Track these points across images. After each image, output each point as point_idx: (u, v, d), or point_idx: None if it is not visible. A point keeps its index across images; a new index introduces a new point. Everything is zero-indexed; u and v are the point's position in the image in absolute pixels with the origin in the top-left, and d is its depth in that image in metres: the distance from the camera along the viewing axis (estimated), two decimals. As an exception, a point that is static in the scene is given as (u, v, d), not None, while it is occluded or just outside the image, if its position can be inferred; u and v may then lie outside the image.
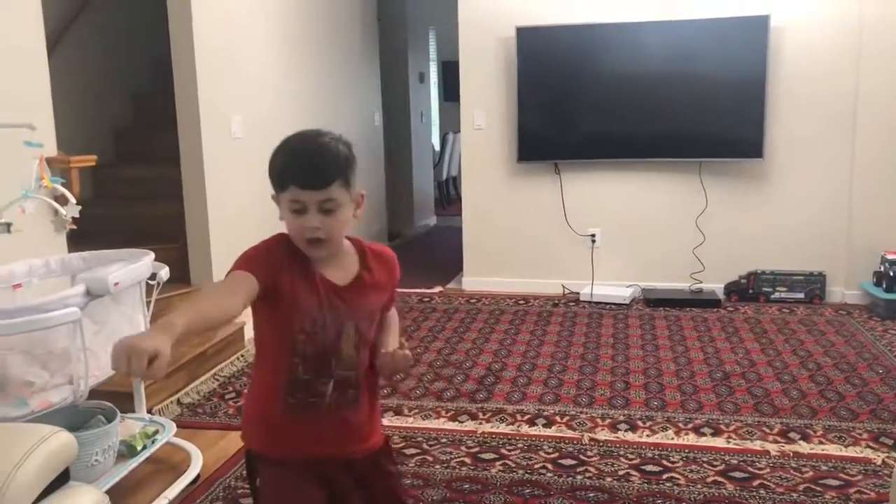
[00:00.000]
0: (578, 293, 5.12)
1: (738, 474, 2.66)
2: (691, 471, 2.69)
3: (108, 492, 2.29)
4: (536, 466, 2.75)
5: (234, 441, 2.98)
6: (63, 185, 2.87)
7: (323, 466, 1.58)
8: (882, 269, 4.60)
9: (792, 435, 2.97)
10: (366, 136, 6.56)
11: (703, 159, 4.95)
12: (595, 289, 5.05)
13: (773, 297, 4.91)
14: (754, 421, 3.10)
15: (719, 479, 2.63)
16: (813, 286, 4.86)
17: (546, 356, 3.97)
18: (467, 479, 2.67)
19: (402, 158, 7.83)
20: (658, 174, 5.10)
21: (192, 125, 4.03)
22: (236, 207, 4.23)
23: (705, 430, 3.03)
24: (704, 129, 4.92)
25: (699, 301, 4.87)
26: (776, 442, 2.91)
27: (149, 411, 2.93)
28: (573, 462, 2.78)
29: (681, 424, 3.09)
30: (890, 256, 4.55)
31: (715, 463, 2.75)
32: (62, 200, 2.87)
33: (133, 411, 2.77)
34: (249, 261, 1.47)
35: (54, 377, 2.23)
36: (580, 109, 5.14)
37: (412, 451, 2.89)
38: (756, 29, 4.69)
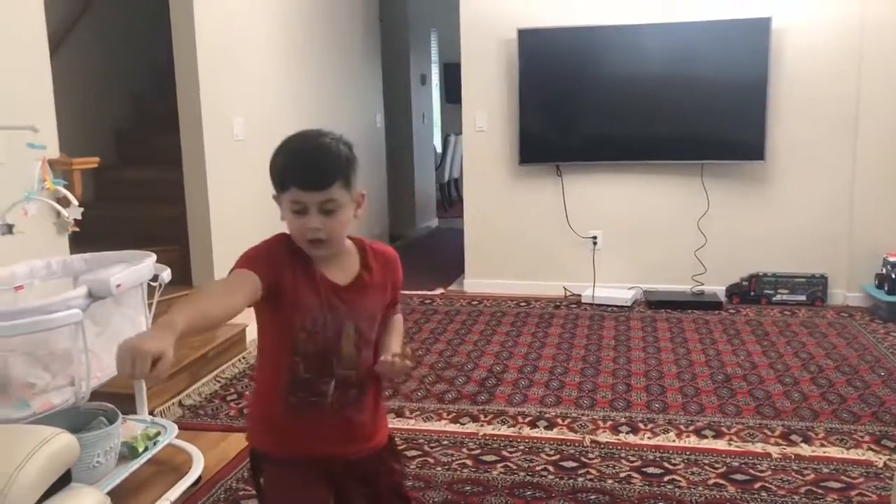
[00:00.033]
0: (580, 295, 5.11)
1: (739, 477, 2.66)
2: (692, 473, 2.69)
3: (109, 493, 2.29)
4: (538, 468, 2.75)
5: (235, 443, 2.98)
6: (65, 186, 2.88)
7: (327, 465, 1.59)
8: (884, 271, 4.60)
9: (793, 437, 2.96)
10: (367, 138, 6.57)
11: (705, 161, 4.95)
12: (596, 291, 5.05)
13: (774, 299, 4.90)
14: (756, 423, 3.10)
15: (721, 481, 2.63)
16: (815, 288, 4.86)
17: (547, 358, 3.97)
18: (468, 481, 2.67)
19: (404, 160, 7.84)
20: (659, 176, 5.10)
21: (194, 126, 4.03)
22: (238, 209, 4.24)
23: (707, 432, 3.03)
24: (706, 131, 4.92)
25: (701, 303, 4.87)
26: (778, 444, 2.90)
27: (150, 413, 2.94)
28: (574, 464, 2.78)
29: (682, 427, 3.09)
30: (891, 259, 4.54)
31: (716, 465, 2.74)
32: (64, 202, 2.88)
33: (135, 413, 2.78)
34: (251, 260, 1.48)
35: (56, 379, 2.23)
36: (582, 111, 5.14)
37: (413, 452, 2.89)
38: (757, 31, 4.69)
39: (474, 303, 5.13)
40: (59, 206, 2.88)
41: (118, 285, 2.30)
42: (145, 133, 5.46)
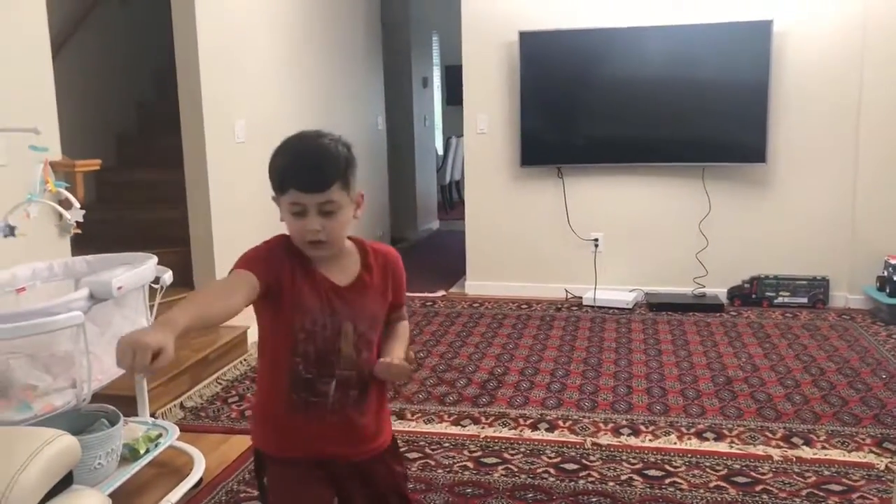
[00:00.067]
0: (581, 297, 5.12)
1: (740, 479, 2.66)
2: (694, 475, 2.69)
3: (111, 495, 2.29)
4: (539, 471, 2.75)
5: (236, 445, 2.98)
6: (67, 189, 2.88)
7: (329, 465, 1.59)
8: (885, 273, 4.60)
9: (795, 440, 2.96)
10: (369, 140, 6.57)
11: (706, 164, 4.96)
12: (598, 293, 5.05)
13: (776, 301, 4.90)
14: (757, 426, 3.10)
15: (722, 483, 2.63)
16: (816, 291, 4.86)
17: (549, 360, 3.97)
18: (470, 483, 2.67)
19: (406, 162, 7.84)
20: (661, 178, 5.10)
21: (196, 129, 4.03)
22: (240, 211, 4.24)
23: (708, 434, 3.03)
24: (707, 133, 4.93)
25: (702, 306, 4.87)
26: (779, 447, 2.90)
27: (152, 415, 2.94)
28: (576, 466, 2.78)
29: (683, 429, 3.08)
30: (893, 261, 4.54)
31: (717, 468, 2.74)
32: (66, 204, 2.88)
33: (136, 415, 2.78)
34: (250, 261, 1.49)
35: (57, 381, 2.24)
36: (583, 114, 5.14)
37: (415, 455, 2.89)
38: (759, 34, 4.70)
39: (475, 305, 5.13)
40: (61, 209, 2.88)
41: (119, 287, 2.30)
42: (147, 135, 5.48)
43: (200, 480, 2.67)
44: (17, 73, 2.92)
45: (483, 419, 3.22)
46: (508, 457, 2.87)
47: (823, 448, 2.89)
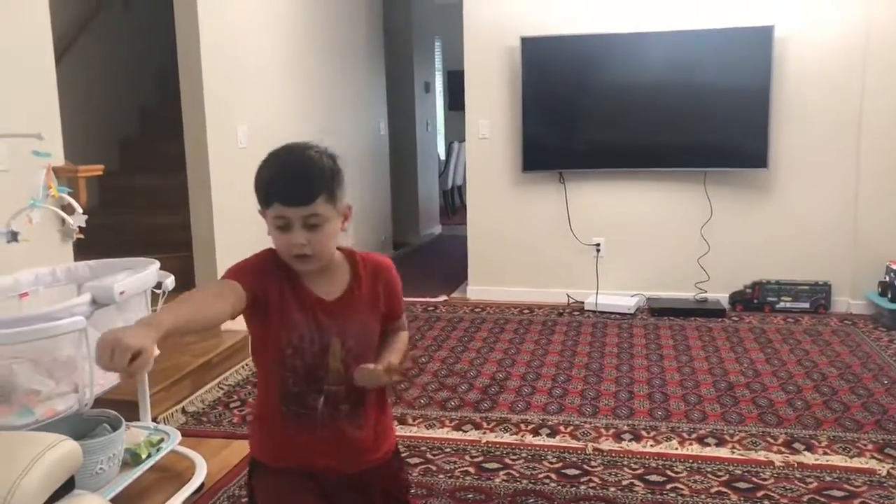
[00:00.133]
0: (583, 302, 5.12)
1: (742, 485, 2.66)
2: (695, 481, 2.69)
3: (112, 500, 2.30)
4: (540, 476, 2.75)
5: (238, 450, 2.98)
6: (70, 194, 2.89)
7: (320, 477, 1.57)
8: (887, 279, 4.59)
9: (796, 445, 2.96)
10: (371, 145, 6.59)
11: (708, 169, 4.96)
12: (600, 298, 5.05)
13: (777, 306, 4.90)
14: (759, 431, 3.10)
15: (723, 489, 2.63)
16: (818, 296, 4.85)
17: (550, 366, 3.97)
18: (471, 488, 2.67)
19: (408, 167, 7.85)
20: (662, 184, 5.11)
21: (198, 134, 4.04)
22: (241, 216, 4.24)
23: (709, 440, 3.03)
24: (709, 139, 4.93)
25: (704, 311, 4.87)
26: (780, 452, 2.90)
27: (154, 420, 2.94)
28: (577, 472, 2.78)
29: (685, 434, 3.08)
30: (895, 266, 4.54)
31: (719, 473, 2.74)
32: (69, 210, 2.89)
33: (138, 420, 2.78)
34: (238, 272, 1.47)
35: (60, 385, 2.24)
36: (585, 119, 5.15)
37: (416, 460, 2.89)
38: (760, 40, 4.70)
39: (477, 310, 5.13)
40: (63, 214, 2.89)
41: (122, 292, 2.31)
42: (149, 141, 5.50)
43: (202, 485, 2.67)
44: (20, 79, 2.93)
45: (484, 424, 3.23)
46: (510, 462, 2.87)
47: (825, 454, 2.88)
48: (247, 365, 3.95)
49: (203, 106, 4.01)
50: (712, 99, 4.86)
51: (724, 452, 2.91)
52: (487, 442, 3.04)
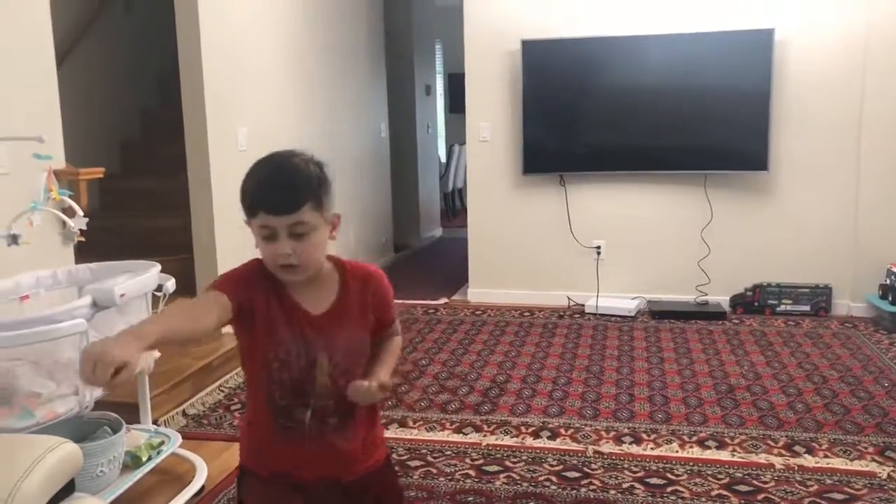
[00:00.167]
0: (583, 305, 5.12)
1: (742, 488, 2.65)
2: (696, 484, 2.68)
3: (112, 503, 2.30)
4: (541, 479, 2.75)
5: (238, 452, 2.97)
6: (71, 197, 2.89)
7: (307, 489, 1.55)
8: (888, 282, 4.59)
9: (797, 448, 2.96)
10: (372, 148, 6.59)
11: (708, 172, 4.96)
12: (600, 301, 5.05)
13: (778, 309, 4.90)
14: (759, 434, 3.10)
15: (724, 492, 2.63)
16: (819, 299, 4.85)
17: (551, 368, 3.97)
18: (471, 491, 2.67)
19: (409, 170, 7.86)
20: (663, 186, 5.11)
21: (199, 136, 4.05)
22: (242, 219, 4.25)
23: (710, 443, 3.03)
24: (709, 141, 4.93)
25: (704, 313, 4.87)
26: (781, 455, 2.90)
27: (154, 422, 2.94)
28: (577, 475, 2.78)
29: (685, 437, 3.08)
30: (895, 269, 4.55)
31: (719, 476, 2.74)
32: (70, 212, 2.89)
33: (138, 422, 2.79)
34: (225, 283, 1.45)
35: (60, 388, 2.25)
36: (585, 122, 5.16)
37: (416, 463, 2.89)
38: (760, 43, 4.71)
39: (478, 312, 5.13)
40: (64, 217, 2.89)
41: (122, 295, 2.31)
42: (150, 143, 5.50)
43: (202, 488, 2.68)
44: (21, 81, 2.94)
45: (485, 427, 3.23)
46: (510, 465, 2.87)
47: (826, 457, 2.88)
48: (247, 367, 3.94)
49: (204, 108, 4.02)
50: (713, 102, 4.86)
51: (724, 455, 2.91)
52: (488, 445, 3.04)
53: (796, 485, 2.67)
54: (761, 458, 2.87)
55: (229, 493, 2.69)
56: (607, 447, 3.00)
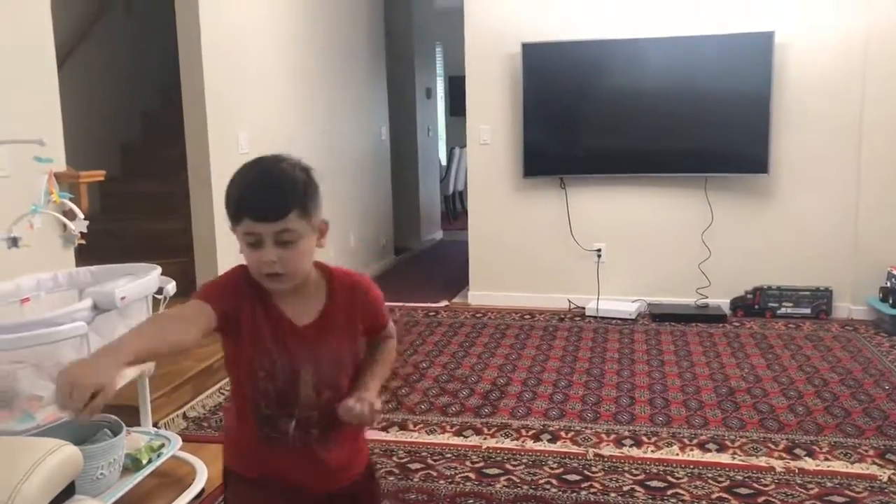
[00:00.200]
0: (584, 308, 5.12)
1: (743, 490, 2.65)
2: (696, 487, 2.68)
3: (113, 505, 2.30)
4: (541, 482, 2.75)
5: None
6: (71, 199, 2.90)
7: (293, 495, 1.53)
8: (888, 284, 4.59)
9: (797, 451, 2.96)
10: (373, 150, 6.60)
11: (709, 175, 4.96)
12: (601, 303, 5.05)
13: (779, 312, 4.90)
14: (760, 437, 3.10)
15: (724, 495, 2.62)
16: (819, 301, 4.85)
17: (551, 371, 3.96)
18: (472, 494, 2.67)
19: (409, 172, 7.86)
20: (663, 189, 5.11)
21: (200, 139, 4.06)
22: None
23: (710, 445, 3.02)
24: (709, 144, 4.93)
25: (705, 316, 4.87)
26: (781, 458, 2.90)
27: (154, 425, 2.94)
28: (578, 477, 2.78)
29: (686, 440, 3.08)
30: (896, 272, 4.55)
31: (720, 479, 2.74)
32: (70, 215, 2.89)
33: (139, 425, 2.79)
34: (209, 292, 1.42)
35: (61, 390, 2.24)
36: (585, 125, 5.16)
37: (417, 465, 2.89)
38: (760, 45, 4.71)
39: (478, 315, 5.13)
40: (65, 219, 2.90)
41: (123, 298, 2.31)
42: (151, 146, 5.50)
43: (202, 491, 2.67)
44: (22, 84, 2.94)
45: (485, 430, 3.22)
46: (510, 468, 2.87)
47: (826, 459, 2.88)
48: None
49: (204, 111, 4.02)
50: (713, 104, 4.86)
51: (725, 458, 2.91)
52: (488, 447, 3.04)
53: (797, 488, 2.66)
54: (762, 461, 2.87)
55: (229, 496, 2.69)
56: (608, 450, 3.00)
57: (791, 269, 4.94)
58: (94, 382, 1.11)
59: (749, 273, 4.99)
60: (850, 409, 3.37)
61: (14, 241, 2.61)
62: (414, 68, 7.80)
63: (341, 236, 5.70)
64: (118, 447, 2.44)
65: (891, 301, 4.53)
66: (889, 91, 4.65)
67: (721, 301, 5.02)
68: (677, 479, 2.75)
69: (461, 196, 10.22)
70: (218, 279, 1.48)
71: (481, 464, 2.90)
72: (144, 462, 2.56)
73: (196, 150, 4.07)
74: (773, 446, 3.00)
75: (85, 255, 3.20)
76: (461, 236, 6.61)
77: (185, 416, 3.38)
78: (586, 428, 3.22)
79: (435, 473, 2.83)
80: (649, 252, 5.18)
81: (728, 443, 3.04)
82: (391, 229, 7.16)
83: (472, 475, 2.81)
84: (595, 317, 4.99)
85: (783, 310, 4.89)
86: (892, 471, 2.76)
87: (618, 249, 5.22)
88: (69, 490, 1.77)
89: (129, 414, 2.70)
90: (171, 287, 2.64)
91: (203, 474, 2.71)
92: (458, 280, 5.82)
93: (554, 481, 2.75)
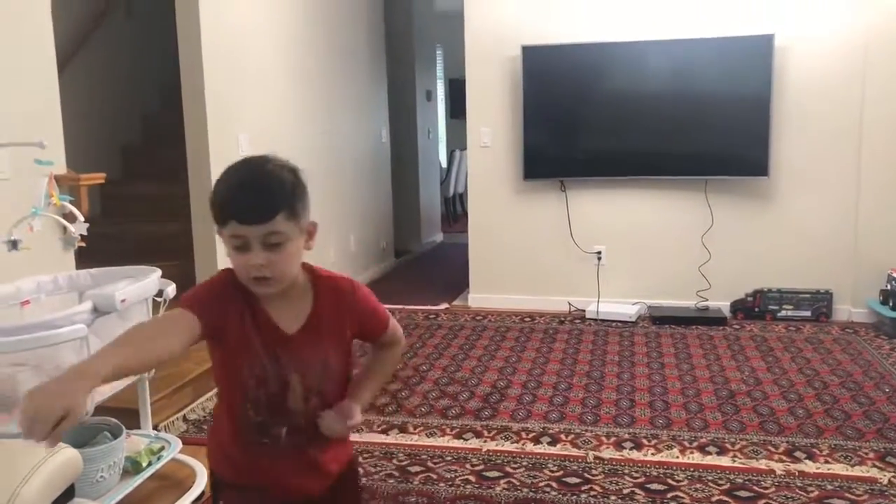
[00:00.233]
0: (584, 310, 5.12)
1: (743, 493, 2.65)
2: (696, 490, 2.68)
3: (112, 508, 2.30)
4: (541, 485, 2.75)
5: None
6: (72, 202, 2.90)
7: (283, 497, 1.53)
8: (889, 287, 4.59)
9: (797, 454, 2.95)
10: (373, 153, 6.60)
11: (709, 177, 4.96)
12: (601, 306, 5.05)
13: (779, 315, 4.90)
14: (760, 440, 3.09)
15: (724, 498, 2.62)
16: (819, 304, 4.85)
17: (551, 374, 3.96)
18: (472, 497, 2.67)
19: (409, 175, 7.87)
20: (663, 192, 5.11)
21: (200, 142, 4.06)
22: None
23: (710, 448, 3.02)
24: (709, 147, 4.94)
25: (705, 319, 4.87)
26: (782, 461, 2.89)
27: (154, 428, 2.94)
28: (578, 480, 2.77)
29: (686, 443, 3.08)
30: (896, 274, 4.55)
31: (720, 482, 2.74)
32: (70, 218, 2.89)
33: (139, 428, 2.79)
34: (194, 301, 1.39)
35: (61, 393, 2.24)
36: (586, 127, 5.16)
37: (417, 468, 2.89)
38: (760, 48, 4.71)
39: (478, 318, 5.13)
40: (65, 222, 2.89)
41: (123, 300, 2.31)
42: (151, 149, 5.51)
43: (202, 493, 2.67)
44: (22, 87, 2.94)
45: (485, 433, 3.22)
46: (510, 470, 2.86)
47: (826, 462, 2.88)
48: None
49: (205, 112, 4.03)
50: (713, 107, 4.86)
51: (725, 461, 2.91)
52: (488, 450, 3.04)
53: (797, 490, 2.66)
54: (762, 464, 2.87)
55: (229, 499, 2.69)
56: (608, 453, 3.00)
57: (791, 271, 4.94)
58: (60, 407, 1.06)
59: (749, 276, 4.99)
60: (850, 411, 3.37)
61: (14, 244, 2.61)
62: (414, 71, 7.80)
63: (341, 238, 5.71)
64: (118, 450, 2.44)
65: (891, 303, 4.53)
66: (889, 93, 4.65)
67: (721, 304, 5.02)
68: (677, 481, 2.75)
69: (461, 198, 10.22)
70: (203, 284, 1.45)
71: (481, 467, 2.90)
72: (144, 465, 2.56)
73: (196, 152, 4.07)
74: (773, 449, 3.00)
75: (85, 257, 3.20)
76: (461, 239, 6.61)
77: (185, 419, 3.38)
78: (586, 431, 3.22)
79: (435, 476, 2.82)
80: (649, 255, 5.18)
81: (728, 445, 3.04)
82: (391, 232, 7.16)
83: (472, 478, 2.81)
84: (595, 319, 4.99)
85: (783, 312, 4.89)
86: (893, 473, 2.76)
87: (618, 252, 5.22)
88: (69, 493, 1.77)
89: (129, 416, 2.70)
90: (171, 290, 2.64)
91: (203, 477, 2.71)
92: (458, 282, 5.82)
93: (554, 484, 2.75)
